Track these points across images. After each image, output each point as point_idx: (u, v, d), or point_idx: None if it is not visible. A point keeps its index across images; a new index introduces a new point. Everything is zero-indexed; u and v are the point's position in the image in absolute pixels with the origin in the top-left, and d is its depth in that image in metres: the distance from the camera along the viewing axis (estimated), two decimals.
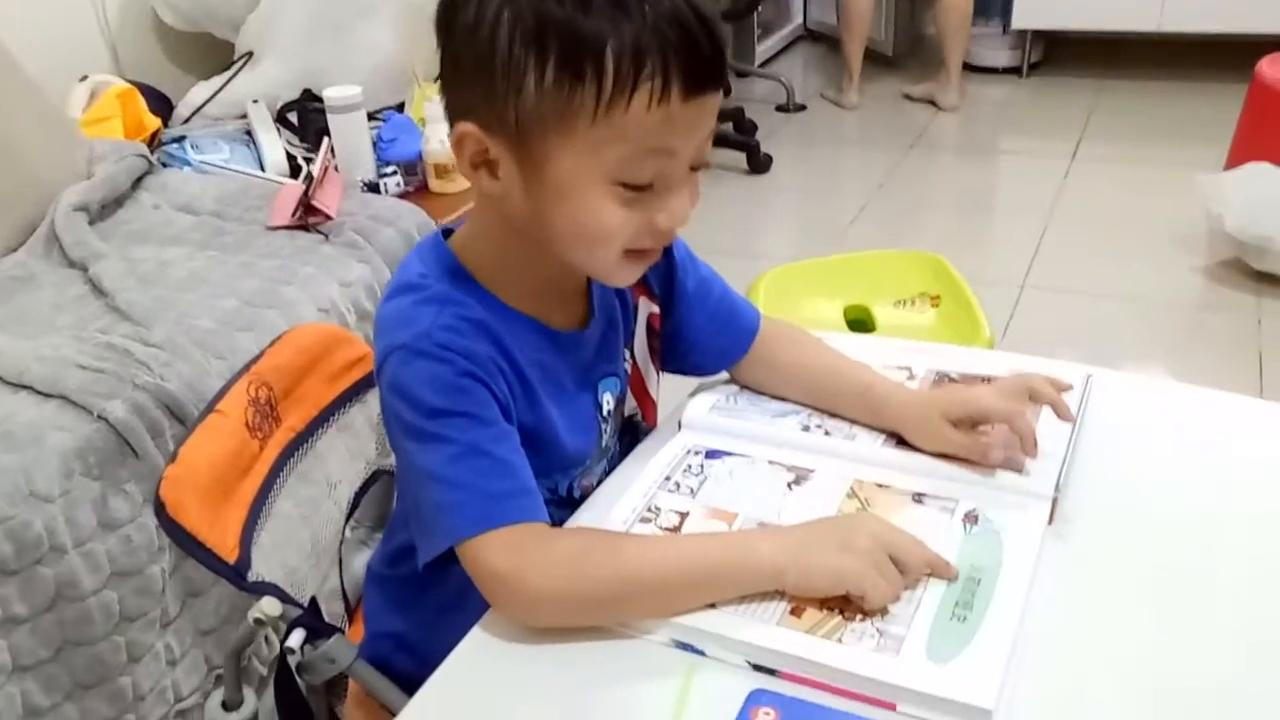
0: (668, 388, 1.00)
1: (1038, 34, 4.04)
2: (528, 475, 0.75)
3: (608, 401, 0.88)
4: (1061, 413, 0.83)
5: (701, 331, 0.94)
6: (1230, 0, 3.57)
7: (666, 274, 0.92)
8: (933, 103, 3.83)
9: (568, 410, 0.83)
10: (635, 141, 0.69)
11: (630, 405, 0.93)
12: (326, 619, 1.05)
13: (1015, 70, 4.10)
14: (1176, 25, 3.71)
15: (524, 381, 0.79)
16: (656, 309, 0.93)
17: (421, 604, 0.88)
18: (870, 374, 0.92)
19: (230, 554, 0.85)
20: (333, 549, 1.10)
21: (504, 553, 0.71)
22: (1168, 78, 3.91)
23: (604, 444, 0.89)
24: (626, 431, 0.94)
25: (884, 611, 0.70)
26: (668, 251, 0.92)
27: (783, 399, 0.96)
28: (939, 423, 0.84)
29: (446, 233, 0.83)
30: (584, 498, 0.87)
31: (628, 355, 0.91)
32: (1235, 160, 2.69)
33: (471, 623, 0.74)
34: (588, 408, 0.86)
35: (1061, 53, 4.20)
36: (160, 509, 0.82)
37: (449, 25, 0.72)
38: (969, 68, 3.95)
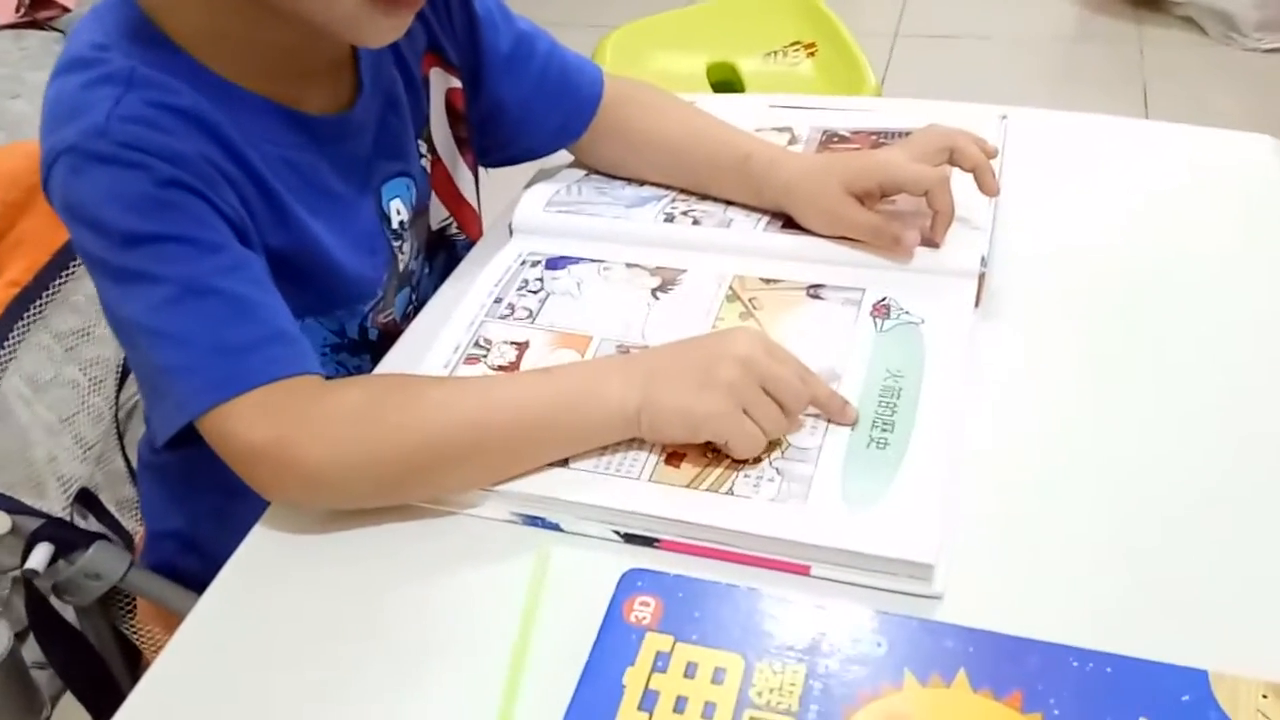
0: (498, 185, 0.80)
1: None
2: (278, 315, 0.55)
3: (398, 210, 0.68)
4: (986, 185, 0.66)
5: (528, 105, 0.74)
6: None
7: (468, 34, 0.71)
8: None
9: (339, 224, 0.63)
10: None
11: (439, 215, 0.73)
12: (115, 507, 0.87)
13: None
14: None
15: (265, 189, 0.58)
16: (457, 83, 0.72)
17: (196, 493, 0.70)
18: (747, 139, 0.74)
19: None
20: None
21: (260, 421, 0.52)
22: None
23: (402, 267, 0.69)
24: (440, 250, 0.75)
25: (784, 444, 0.54)
26: (466, 6, 0.70)
27: (640, 182, 0.77)
28: (839, 197, 0.67)
29: None
30: (387, 341, 0.68)
31: (424, 149, 0.70)
32: None
33: (262, 510, 0.56)
34: (370, 219, 0.66)
35: None
36: None
37: None
38: None
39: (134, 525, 0.89)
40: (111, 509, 0.85)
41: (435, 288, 0.73)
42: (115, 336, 0.58)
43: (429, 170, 0.71)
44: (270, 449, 0.52)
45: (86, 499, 0.82)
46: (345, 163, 0.64)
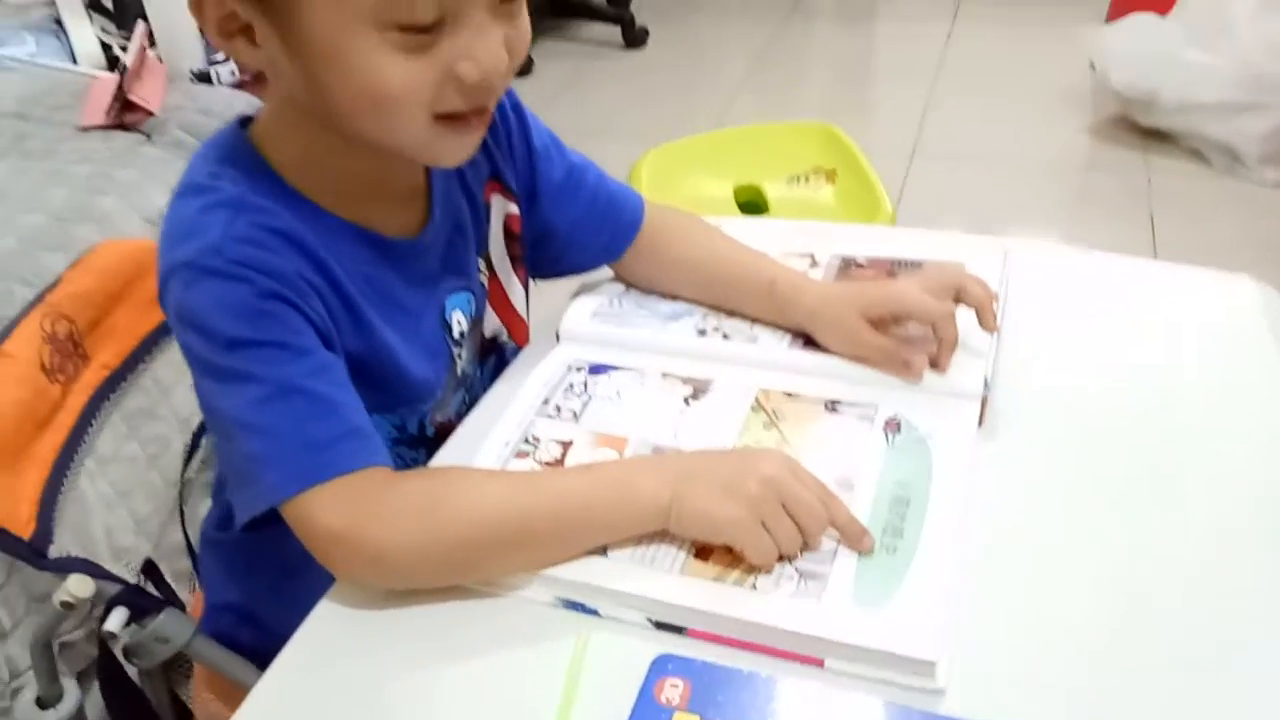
0: (544, 296, 0.88)
1: None
2: (356, 413, 0.62)
3: (459, 321, 0.75)
4: (986, 323, 0.73)
5: (577, 228, 0.82)
6: None
7: (527, 165, 0.79)
8: None
9: (408, 333, 0.70)
10: None
11: (492, 324, 0.80)
12: (172, 578, 0.92)
13: None
14: None
15: (348, 301, 0.65)
16: (515, 209, 0.79)
17: (258, 570, 0.76)
18: (773, 265, 0.81)
19: (24, 527, 0.71)
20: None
21: (337, 508, 0.58)
22: None
23: (460, 371, 0.76)
24: (492, 354, 0.82)
25: (802, 545, 0.60)
26: (527, 141, 0.78)
27: (675, 298, 0.84)
28: (856, 322, 0.74)
29: (247, 122, 0.67)
30: (441, 436, 0.74)
31: (483, 266, 0.78)
32: (1117, 11, 2.63)
33: (317, 589, 0.62)
34: (433, 329, 0.73)
35: None
36: None
37: None
38: None
39: (186, 596, 0.94)
40: (169, 580, 0.90)
41: (486, 389, 0.79)
42: (209, 427, 0.64)
43: (486, 285, 0.78)
44: (344, 533, 0.58)
45: (149, 569, 0.87)
46: (415, 278, 0.71)
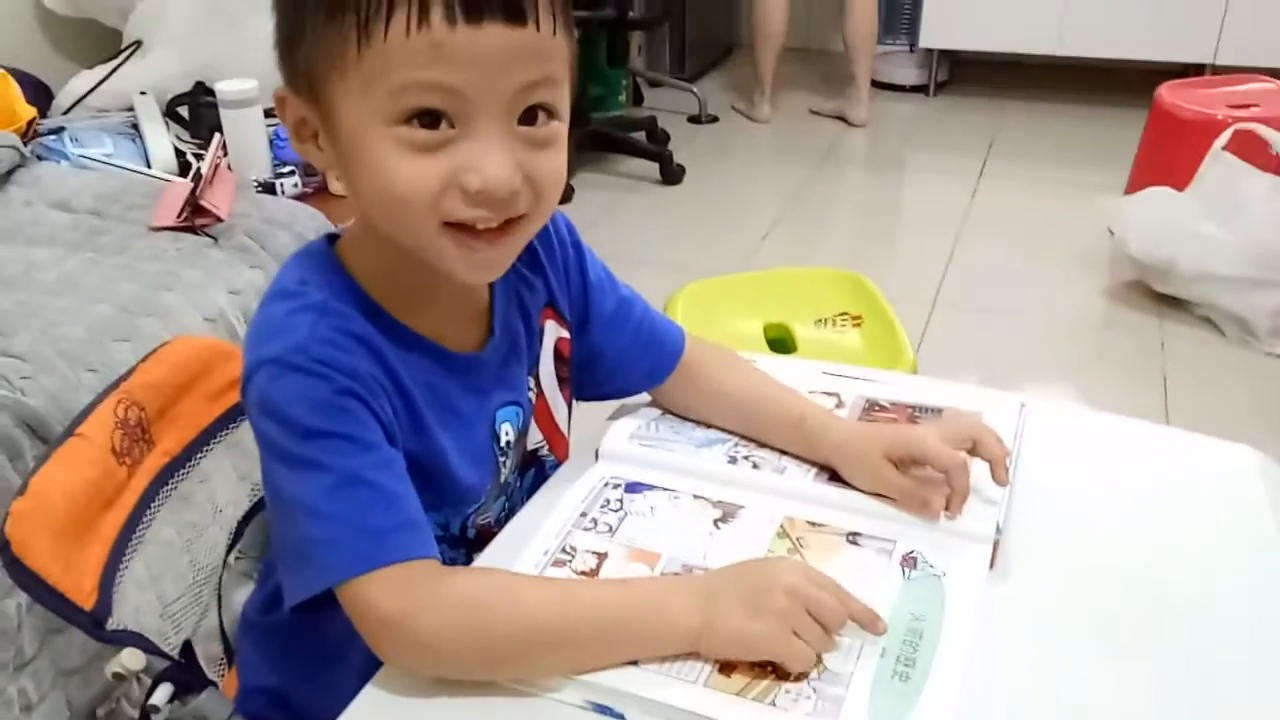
0: (585, 415, 0.93)
1: (944, 53, 4.09)
2: (415, 506, 0.67)
3: (506, 432, 0.81)
4: (999, 476, 0.78)
5: (622, 355, 0.88)
6: (1128, 27, 3.66)
7: (582, 296, 0.85)
8: (842, 118, 3.84)
9: (461, 439, 0.76)
10: (402, 74, 0.61)
11: (535, 438, 0.86)
12: (204, 661, 0.95)
13: (922, 89, 4.14)
14: (1077, 49, 3.79)
15: (410, 405, 0.71)
16: (566, 334, 0.86)
17: (296, 655, 0.80)
18: (804, 403, 0.87)
19: (87, 599, 0.75)
20: (214, 581, 1.00)
21: (391, 593, 0.63)
22: (1070, 100, 3.99)
23: (502, 479, 0.82)
24: (532, 466, 0.87)
25: (820, 667, 0.64)
26: (583, 273, 0.85)
27: (709, 426, 0.90)
28: (879, 461, 0.79)
29: (334, 239, 0.74)
30: (478, 537, 0.80)
31: (533, 384, 0.84)
32: (1136, 184, 2.74)
33: (352, 676, 0.66)
34: (483, 438, 0.79)
35: (967, 72, 4.26)
36: (4, 548, 0.72)
37: None
38: (877, 85, 3.98)
39: (215, 680, 0.97)
40: (201, 662, 0.94)
41: (524, 499, 0.84)
42: (273, 511, 0.69)
43: (534, 402, 0.84)
44: (396, 619, 0.63)
45: (187, 649, 0.91)
46: (471, 389, 0.77)
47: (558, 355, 0.86)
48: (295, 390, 0.65)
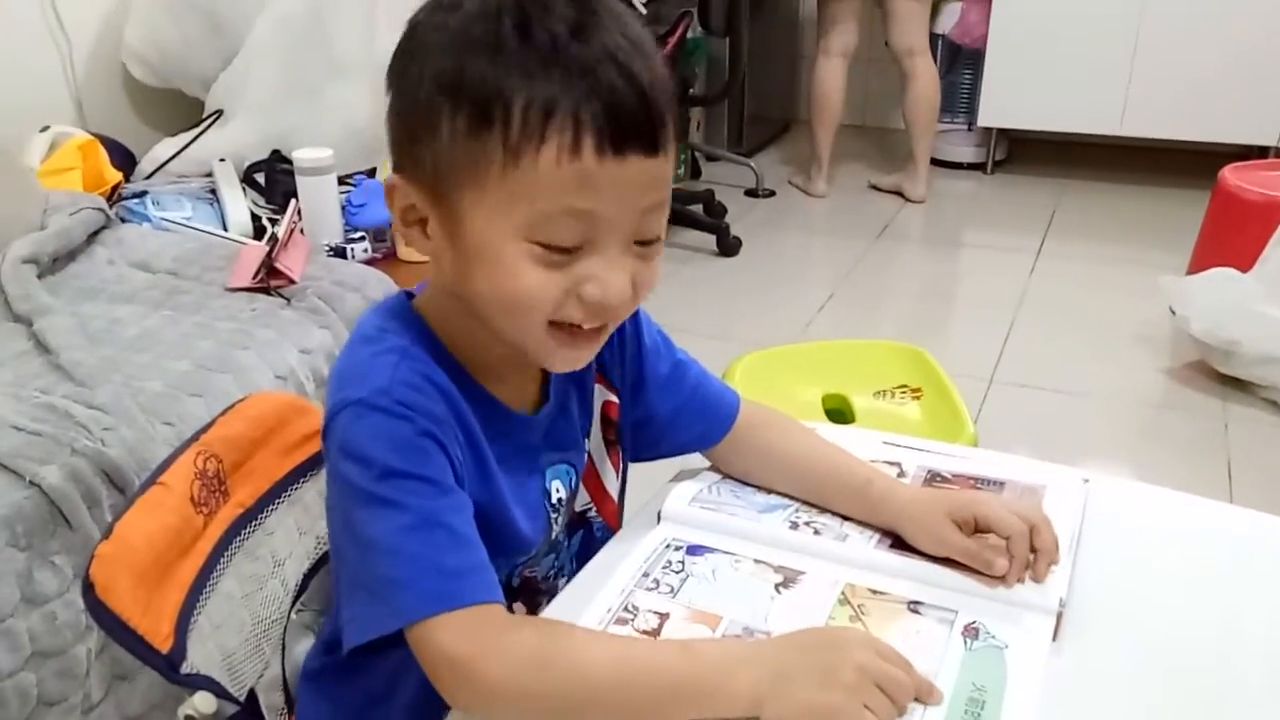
0: (645, 475, 0.95)
1: (1002, 132, 4.11)
2: (482, 550, 0.69)
3: (557, 489, 0.83)
4: (1039, 572, 0.78)
5: (675, 416, 0.90)
6: (1189, 109, 3.66)
7: (635, 362, 0.88)
8: (900, 194, 3.86)
9: (518, 492, 0.78)
10: (547, 199, 0.65)
11: (583, 499, 0.87)
12: (265, 710, 0.97)
13: (980, 166, 4.16)
14: (1137, 130, 3.79)
15: (479, 453, 0.74)
16: (613, 398, 0.88)
17: (345, 696, 0.82)
18: (867, 468, 0.88)
19: (164, 642, 0.78)
20: (274, 632, 1.02)
21: (461, 636, 0.65)
22: (1131, 180, 3.98)
23: (553, 535, 0.84)
24: (580, 527, 0.89)
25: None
26: (638, 339, 0.87)
27: (769, 490, 0.90)
28: (943, 522, 0.79)
29: (410, 295, 0.78)
30: (523, 588, 0.82)
31: (586, 445, 0.86)
32: (1198, 264, 2.72)
33: (400, 716, 0.68)
34: (537, 493, 0.81)
35: (1026, 151, 4.27)
36: (89, 590, 0.75)
37: (394, 77, 0.70)
38: (935, 163, 4.00)
39: None
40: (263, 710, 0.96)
41: (570, 557, 0.86)
42: (346, 551, 0.71)
43: (585, 464, 0.86)
44: (463, 661, 0.64)
45: (251, 698, 0.93)
46: (524, 447, 0.80)
47: (604, 418, 0.88)
48: (378, 431, 0.68)
